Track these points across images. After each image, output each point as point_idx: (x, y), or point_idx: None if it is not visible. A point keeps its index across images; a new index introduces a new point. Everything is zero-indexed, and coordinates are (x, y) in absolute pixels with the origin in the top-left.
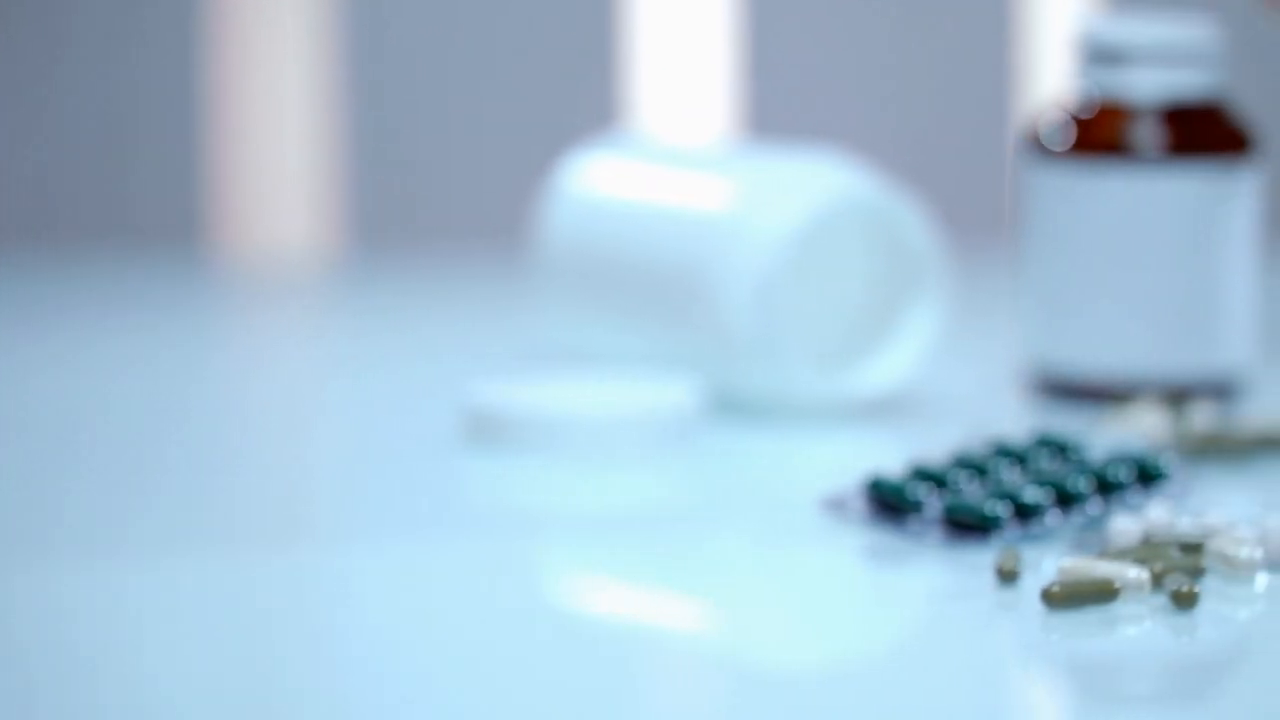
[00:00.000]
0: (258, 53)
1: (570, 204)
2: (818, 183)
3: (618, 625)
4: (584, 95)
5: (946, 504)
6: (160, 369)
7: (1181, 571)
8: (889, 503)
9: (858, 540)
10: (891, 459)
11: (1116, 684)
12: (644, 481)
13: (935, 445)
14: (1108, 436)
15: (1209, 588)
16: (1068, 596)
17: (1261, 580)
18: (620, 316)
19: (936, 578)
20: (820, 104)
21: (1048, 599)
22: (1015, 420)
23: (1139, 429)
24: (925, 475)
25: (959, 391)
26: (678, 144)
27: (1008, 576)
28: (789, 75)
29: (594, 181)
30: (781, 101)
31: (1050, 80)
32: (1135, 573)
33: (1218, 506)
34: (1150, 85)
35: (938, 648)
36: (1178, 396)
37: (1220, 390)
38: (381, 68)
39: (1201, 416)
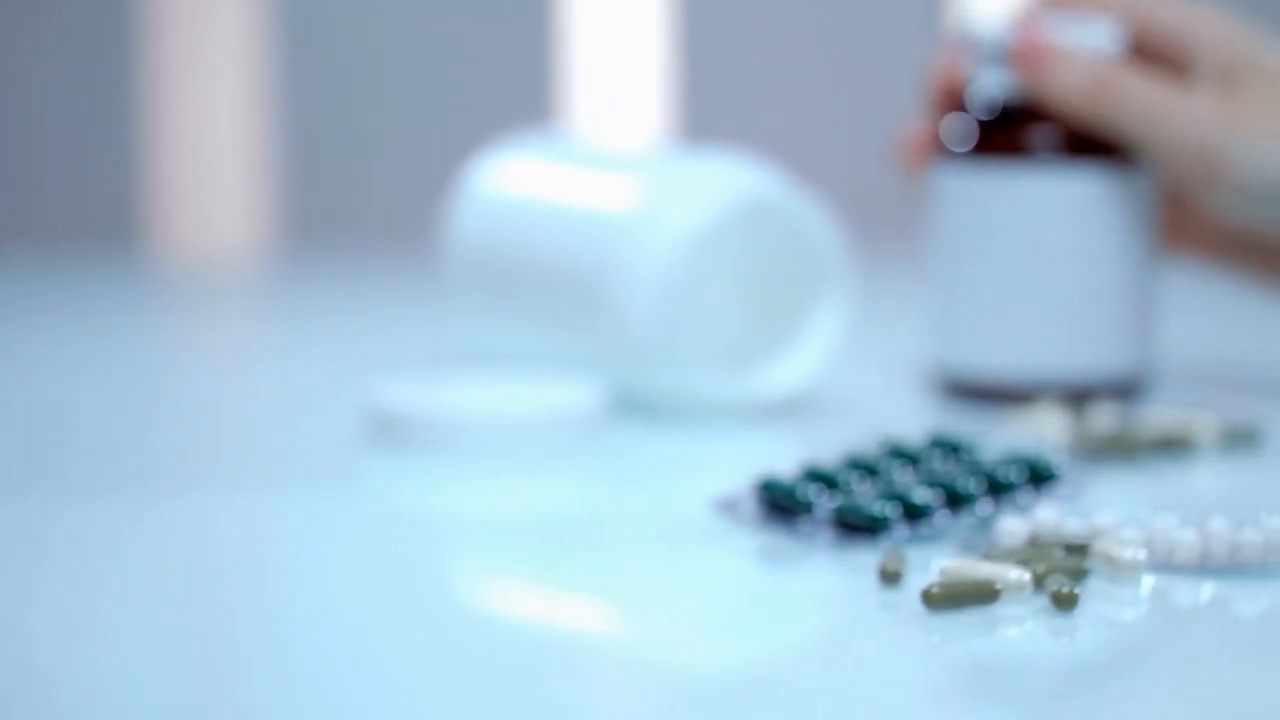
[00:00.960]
0: (192, 60)
1: (477, 204)
2: (721, 183)
3: (513, 625)
4: (520, 98)
5: (836, 505)
6: (84, 366)
7: (1063, 573)
8: (780, 504)
9: (751, 542)
10: (793, 459)
11: (994, 685)
12: (545, 483)
13: (837, 446)
14: (1008, 437)
15: (1094, 589)
16: (947, 598)
17: (1146, 582)
18: (527, 317)
19: (825, 579)
20: (749, 107)
21: (927, 600)
22: (917, 421)
23: (1040, 430)
24: (817, 476)
25: (863, 392)
26: (586, 143)
27: (891, 578)
28: (721, 80)
29: (501, 181)
30: (713, 105)
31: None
32: (1017, 574)
33: (1108, 507)
34: None
35: (819, 650)
36: (1079, 397)
37: (1122, 391)
38: (316, 71)
39: (1102, 417)
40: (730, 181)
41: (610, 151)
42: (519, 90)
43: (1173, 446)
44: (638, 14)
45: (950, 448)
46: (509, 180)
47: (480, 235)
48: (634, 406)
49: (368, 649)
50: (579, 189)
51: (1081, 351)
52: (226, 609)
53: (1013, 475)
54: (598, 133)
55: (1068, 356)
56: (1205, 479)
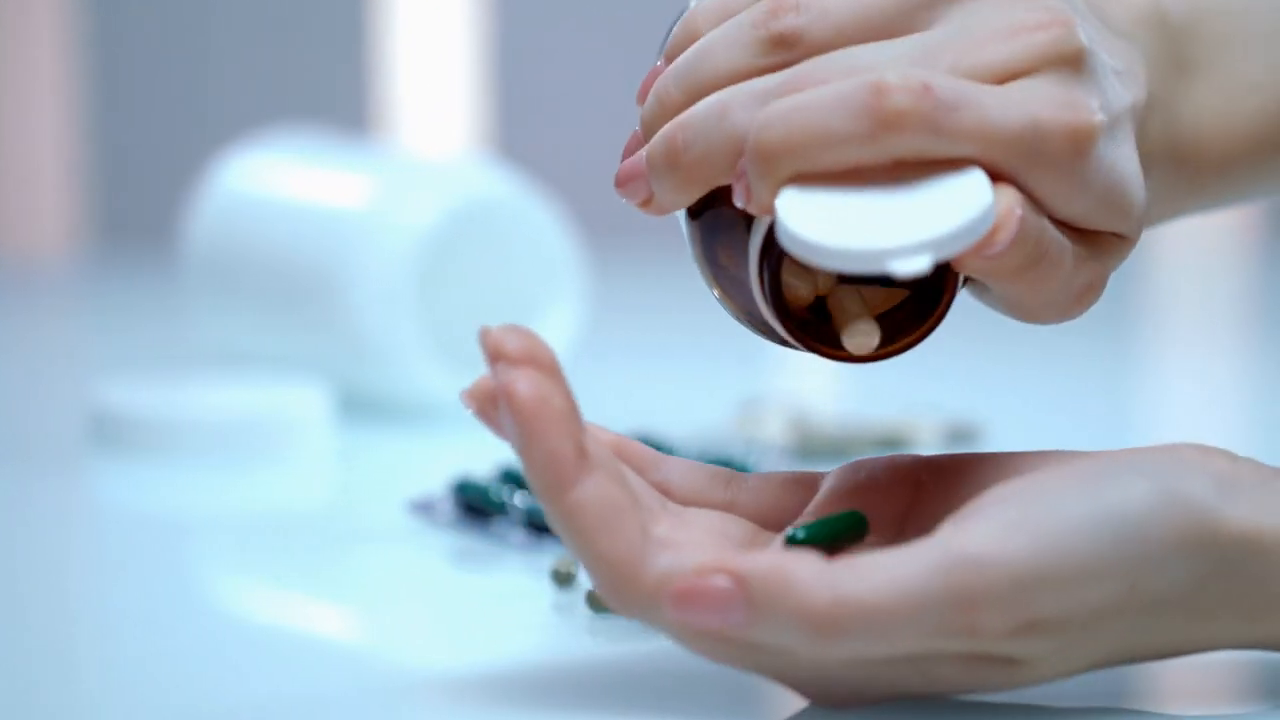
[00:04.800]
0: (7, 65)
1: (215, 203)
2: (450, 185)
3: (224, 622)
4: (337, 106)
5: (528, 506)
6: None
7: None
8: (475, 505)
9: (448, 543)
10: (513, 459)
11: (651, 689)
12: (256, 485)
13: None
14: (716, 438)
15: None
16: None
17: None
18: (262, 317)
19: (510, 580)
20: (560, 118)
21: (590, 602)
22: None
23: (759, 430)
24: (512, 478)
25: (591, 392)
26: (331, 143)
27: (563, 579)
28: (531, 90)
29: (239, 180)
30: (524, 115)
31: None
32: None
33: None
34: None
35: (488, 651)
36: (805, 401)
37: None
38: (131, 75)
39: (825, 419)
40: (460, 183)
41: (352, 152)
42: (336, 98)
43: (892, 446)
44: (451, 25)
45: (652, 448)
46: (247, 179)
47: (217, 234)
48: (364, 407)
49: (91, 644)
50: (311, 188)
51: None
52: None
53: None
54: (352, 134)
55: None
56: None
